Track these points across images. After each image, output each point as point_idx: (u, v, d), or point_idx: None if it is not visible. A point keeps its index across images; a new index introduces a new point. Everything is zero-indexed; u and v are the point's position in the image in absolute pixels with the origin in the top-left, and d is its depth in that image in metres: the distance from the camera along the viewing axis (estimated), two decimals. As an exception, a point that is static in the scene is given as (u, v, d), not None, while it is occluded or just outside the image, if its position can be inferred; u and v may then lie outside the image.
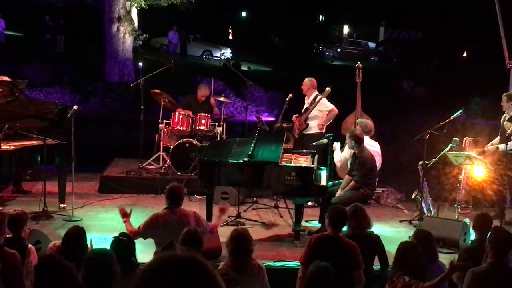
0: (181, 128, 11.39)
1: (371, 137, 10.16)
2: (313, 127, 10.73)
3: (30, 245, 6.10)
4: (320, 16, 51.89)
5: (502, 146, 9.74)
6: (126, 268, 5.16)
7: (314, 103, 10.69)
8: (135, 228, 6.90)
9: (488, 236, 5.75)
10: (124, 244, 5.41)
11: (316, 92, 10.81)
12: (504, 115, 10.05)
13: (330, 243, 6.16)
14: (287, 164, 8.71)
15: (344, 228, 6.55)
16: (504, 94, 10.10)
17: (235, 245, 5.57)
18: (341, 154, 9.92)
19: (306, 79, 10.94)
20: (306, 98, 10.94)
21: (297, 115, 10.89)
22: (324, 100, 10.70)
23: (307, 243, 6.34)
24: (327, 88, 10.71)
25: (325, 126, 10.72)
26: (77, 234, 5.81)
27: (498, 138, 10.07)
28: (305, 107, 10.91)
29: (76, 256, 5.34)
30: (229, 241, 5.65)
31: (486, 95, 16.57)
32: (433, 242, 6.15)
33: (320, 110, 10.70)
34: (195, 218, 6.94)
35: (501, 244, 5.55)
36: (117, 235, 5.75)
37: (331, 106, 10.70)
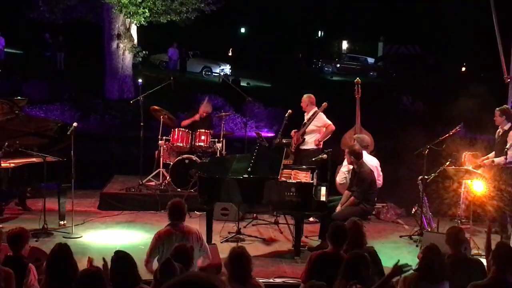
0: (181, 145, 11.41)
1: (369, 152, 10.18)
2: (310, 142, 10.72)
3: (30, 264, 6.09)
4: (319, 32, 52.06)
5: (497, 160, 9.74)
6: (127, 285, 5.15)
7: (311, 118, 10.71)
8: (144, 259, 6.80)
9: (492, 251, 5.74)
10: (124, 260, 5.39)
11: (315, 108, 10.82)
12: (498, 130, 10.08)
13: (330, 260, 6.14)
14: (287, 180, 8.72)
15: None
16: (497, 109, 10.12)
17: (234, 265, 5.55)
18: (341, 173, 9.96)
19: (305, 96, 10.95)
20: (305, 114, 10.96)
21: (295, 130, 10.91)
22: (322, 115, 10.70)
23: (307, 261, 6.33)
24: (324, 103, 10.71)
25: (322, 143, 10.72)
26: (61, 252, 5.79)
27: (494, 152, 10.07)
28: (303, 122, 10.93)
29: (65, 274, 5.34)
30: (228, 261, 5.62)
31: (485, 110, 16.58)
32: (442, 259, 6.00)
33: (317, 125, 10.70)
34: (197, 236, 6.93)
35: (504, 259, 5.53)
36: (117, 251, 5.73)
37: (328, 122, 10.70)
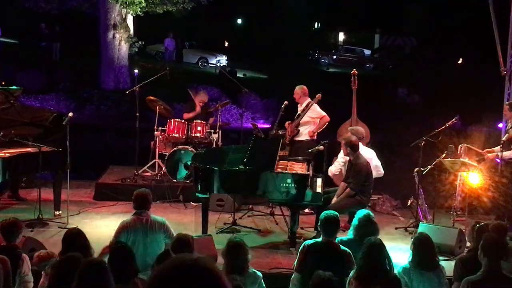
0: (177, 135, 11.39)
1: (365, 144, 10.17)
2: (304, 134, 10.72)
3: (24, 254, 6.08)
4: (316, 23, 51.95)
5: (505, 154, 9.62)
6: (125, 276, 5.14)
7: (305, 109, 10.70)
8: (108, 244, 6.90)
9: (480, 244, 5.74)
10: (123, 251, 5.38)
11: (308, 99, 10.82)
12: (508, 124, 10.04)
13: (323, 250, 6.15)
14: (283, 172, 8.71)
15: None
16: (506, 103, 10.11)
17: (232, 255, 5.55)
18: (336, 163, 9.95)
19: (297, 88, 10.93)
20: (299, 105, 10.95)
21: (289, 121, 10.90)
22: (316, 107, 10.69)
23: (300, 250, 6.33)
24: (318, 95, 10.71)
25: (316, 134, 10.71)
26: (74, 237, 5.79)
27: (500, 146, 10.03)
28: (297, 114, 10.92)
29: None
30: (225, 251, 5.63)
31: (481, 102, 16.60)
32: (432, 247, 6.09)
33: (311, 117, 10.69)
34: (162, 224, 7.02)
35: (494, 251, 5.53)
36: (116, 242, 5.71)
37: (323, 113, 10.70)
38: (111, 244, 6.82)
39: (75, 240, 5.76)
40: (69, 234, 5.88)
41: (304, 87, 10.95)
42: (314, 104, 10.68)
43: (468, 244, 8.50)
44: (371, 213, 6.86)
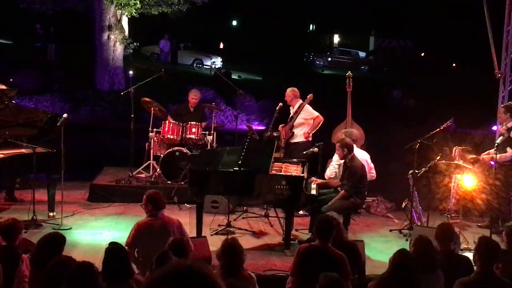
0: (172, 137, 11.38)
1: (360, 146, 10.17)
2: (299, 135, 10.72)
3: (23, 255, 6.06)
4: (311, 25, 52.02)
5: (504, 155, 9.58)
6: (120, 278, 5.12)
7: (298, 111, 10.70)
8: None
9: (475, 246, 5.75)
10: (118, 253, 5.37)
11: (300, 101, 10.81)
12: (502, 127, 10.04)
13: (318, 254, 6.14)
14: (278, 173, 8.70)
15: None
16: (502, 105, 10.11)
17: (227, 256, 5.55)
18: (331, 166, 9.94)
19: (288, 90, 10.92)
20: (291, 108, 10.95)
21: (283, 124, 10.90)
22: (308, 108, 10.69)
23: (295, 254, 6.32)
24: (309, 95, 10.70)
25: (311, 135, 10.71)
26: (52, 242, 5.77)
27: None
28: (290, 116, 10.92)
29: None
30: (220, 252, 5.62)
31: (475, 105, 16.62)
32: (432, 250, 6.09)
33: (305, 118, 10.69)
34: (179, 226, 6.99)
35: (488, 253, 5.54)
36: (106, 244, 5.69)
37: (316, 113, 10.69)
38: (127, 244, 6.81)
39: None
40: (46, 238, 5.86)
41: (295, 89, 10.94)
42: (306, 105, 10.68)
43: (462, 246, 8.53)
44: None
